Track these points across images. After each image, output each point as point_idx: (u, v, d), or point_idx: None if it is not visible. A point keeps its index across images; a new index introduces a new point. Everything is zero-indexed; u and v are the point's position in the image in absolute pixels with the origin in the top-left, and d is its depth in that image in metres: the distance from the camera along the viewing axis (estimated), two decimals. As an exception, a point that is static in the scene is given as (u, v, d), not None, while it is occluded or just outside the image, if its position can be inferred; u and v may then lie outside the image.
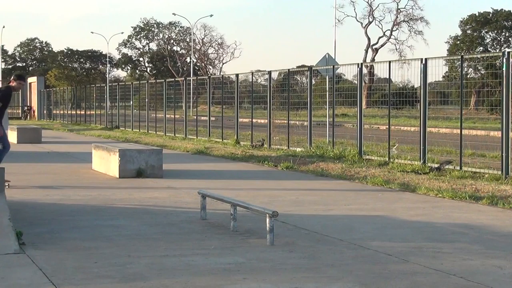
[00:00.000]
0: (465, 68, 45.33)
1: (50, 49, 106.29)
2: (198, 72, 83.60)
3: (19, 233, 7.09)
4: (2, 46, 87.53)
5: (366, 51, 74.09)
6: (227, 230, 7.89)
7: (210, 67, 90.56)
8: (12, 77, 12.10)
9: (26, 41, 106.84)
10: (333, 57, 26.44)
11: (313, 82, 20.86)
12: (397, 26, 73.92)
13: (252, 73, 24.22)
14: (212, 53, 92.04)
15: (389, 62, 16.08)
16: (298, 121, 21.97)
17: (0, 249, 6.63)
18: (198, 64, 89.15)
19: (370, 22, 74.09)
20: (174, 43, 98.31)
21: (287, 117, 20.05)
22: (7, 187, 10.63)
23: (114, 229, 7.98)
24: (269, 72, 21.23)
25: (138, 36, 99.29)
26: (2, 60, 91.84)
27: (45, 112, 54.60)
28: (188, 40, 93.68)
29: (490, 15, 68.16)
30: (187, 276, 5.82)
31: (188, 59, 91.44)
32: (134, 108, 35.06)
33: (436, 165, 14.03)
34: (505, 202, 10.00)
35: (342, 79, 36.09)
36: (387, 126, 16.30)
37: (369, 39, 74.19)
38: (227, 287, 5.53)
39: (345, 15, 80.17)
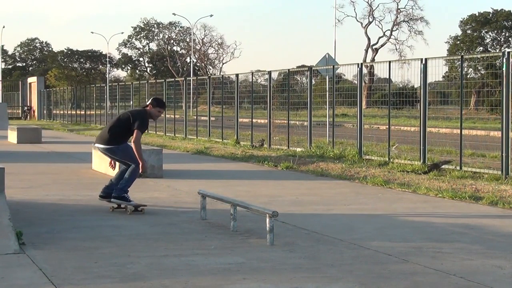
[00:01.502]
0: (465, 68, 45.38)
1: (50, 49, 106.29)
2: (198, 72, 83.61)
3: (19, 233, 7.09)
4: (2, 46, 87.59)
5: (366, 51, 74.12)
6: (227, 230, 7.89)
7: (210, 67, 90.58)
8: (150, 101, 9.52)
9: (26, 41, 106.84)
10: (333, 57, 26.44)
11: (313, 82, 20.86)
12: (397, 26, 73.96)
13: (252, 73, 24.23)
14: (212, 53, 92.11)
15: (389, 62, 16.08)
16: (298, 121, 21.97)
17: (0, 249, 6.63)
18: (198, 64, 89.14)
19: (370, 22, 74.13)
20: (174, 43, 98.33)
21: (287, 117, 20.05)
22: (141, 212, 9.11)
23: (114, 229, 7.98)
24: (269, 72, 21.23)
25: (138, 36, 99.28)
26: (2, 60, 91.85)
27: (45, 112, 54.61)
28: (188, 40, 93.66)
29: (490, 15, 68.16)
30: (187, 276, 5.83)
31: (188, 59, 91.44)
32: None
33: (430, 163, 14.01)
34: (505, 202, 10.00)
35: (342, 79, 36.14)
36: (387, 126, 16.29)
37: (369, 39, 74.23)
38: (227, 287, 5.53)
39: (345, 15, 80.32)
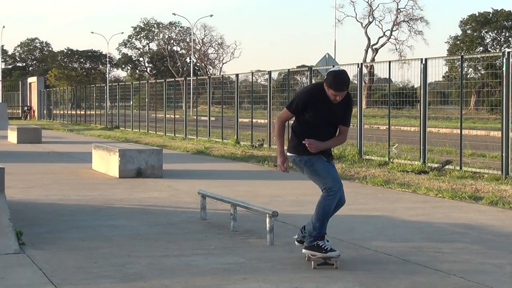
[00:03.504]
0: (465, 68, 45.37)
1: (50, 49, 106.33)
2: (198, 72, 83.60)
3: (19, 233, 7.09)
4: (2, 46, 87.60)
5: (366, 51, 74.13)
6: (227, 230, 7.89)
7: (210, 67, 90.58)
8: (326, 79, 6.16)
9: (26, 41, 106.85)
10: (333, 57, 26.46)
11: (313, 82, 20.86)
12: (397, 26, 73.99)
13: (252, 73, 24.23)
14: (212, 53, 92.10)
15: (389, 62, 16.08)
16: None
17: (0, 249, 6.63)
18: (198, 64, 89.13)
19: (370, 22, 74.15)
20: (174, 43, 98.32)
21: (287, 117, 20.01)
22: (332, 265, 6.15)
23: (114, 229, 7.98)
24: (269, 72, 21.23)
25: (138, 36, 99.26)
26: (2, 60, 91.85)
27: (45, 112, 54.62)
28: (188, 40, 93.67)
29: (490, 15, 68.17)
30: (187, 276, 5.82)
31: (188, 59, 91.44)
32: (134, 108, 35.08)
33: (436, 165, 14.03)
34: (505, 202, 9.99)
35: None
36: (387, 126, 16.30)
37: (369, 39, 74.23)
38: (227, 287, 5.53)
39: (345, 15, 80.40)
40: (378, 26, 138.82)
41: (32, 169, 14.90)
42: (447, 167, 13.83)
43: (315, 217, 6.30)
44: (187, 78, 33.24)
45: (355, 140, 17.00)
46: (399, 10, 73.45)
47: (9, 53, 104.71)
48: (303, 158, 6.31)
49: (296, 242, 6.58)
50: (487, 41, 68.96)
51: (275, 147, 19.95)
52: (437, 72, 15.31)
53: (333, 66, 19.64)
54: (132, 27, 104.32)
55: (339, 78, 6.10)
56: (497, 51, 58.50)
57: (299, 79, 31.93)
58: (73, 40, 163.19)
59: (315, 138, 6.21)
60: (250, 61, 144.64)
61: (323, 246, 6.18)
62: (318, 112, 6.19)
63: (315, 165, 6.30)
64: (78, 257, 6.50)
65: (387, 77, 16.37)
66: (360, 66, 17.18)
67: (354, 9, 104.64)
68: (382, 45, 74.63)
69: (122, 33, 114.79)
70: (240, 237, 7.52)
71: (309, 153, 6.25)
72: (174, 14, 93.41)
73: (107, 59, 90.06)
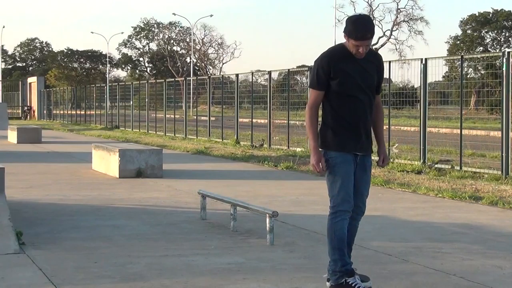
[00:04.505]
0: (465, 68, 45.33)
1: (50, 49, 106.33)
2: (198, 72, 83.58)
3: (19, 233, 7.09)
4: (2, 46, 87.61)
5: (366, 51, 74.04)
6: (227, 230, 7.89)
7: (210, 67, 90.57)
8: (344, 28, 5.06)
9: (26, 41, 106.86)
10: (333, 57, 26.37)
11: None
12: (397, 26, 73.98)
13: (252, 73, 24.23)
14: (212, 53, 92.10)
15: (389, 62, 16.07)
16: (298, 121, 21.97)
17: (0, 249, 6.63)
18: (198, 64, 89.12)
19: (370, 22, 74.07)
20: (174, 43, 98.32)
21: (287, 117, 20.05)
22: None
23: (114, 229, 7.98)
24: (269, 72, 21.23)
25: (138, 36, 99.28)
26: (2, 60, 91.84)
27: (45, 112, 54.63)
28: (188, 40, 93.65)
29: (490, 15, 68.22)
30: (187, 276, 5.82)
31: (188, 59, 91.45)
32: (134, 108, 35.08)
33: (431, 163, 14.03)
34: (505, 202, 9.99)
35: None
36: (387, 126, 16.28)
37: (369, 39, 74.16)
38: (227, 287, 5.53)
39: (345, 15, 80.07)
40: (378, 26, 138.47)
41: (32, 169, 14.90)
42: (446, 166, 13.84)
43: (330, 247, 5.16)
44: (187, 78, 33.26)
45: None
46: (399, 10, 73.47)
47: (9, 53, 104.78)
48: (328, 154, 5.18)
49: (327, 283, 5.33)
50: (487, 41, 69.02)
51: (275, 147, 20.07)
52: (437, 72, 15.33)
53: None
54: (132, 27, 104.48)
55: (359, 23, 4.97)
56: (497, 51, 58.51)
57: (299, 79, 31.92)
58: (73, 40, 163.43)
59: (351, 113, 5.13)
60: (250, 61, 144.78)
61: (353, 285, 5.08)
62: (346, 72, 5.03)
63: (336, 168, 5.19)
64: (78, 257, 6.50)
65: (387, 77, 16.36)
66: (360, 66, 17.15)
67: (354, 9, 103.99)
68: (382, 45, 74.65)
69: (122, 33, 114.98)
70: (240, 237, 7.51)
71: (338, 148, 5.16)
72: (174, 14, 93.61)
73: (107, 59, 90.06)
